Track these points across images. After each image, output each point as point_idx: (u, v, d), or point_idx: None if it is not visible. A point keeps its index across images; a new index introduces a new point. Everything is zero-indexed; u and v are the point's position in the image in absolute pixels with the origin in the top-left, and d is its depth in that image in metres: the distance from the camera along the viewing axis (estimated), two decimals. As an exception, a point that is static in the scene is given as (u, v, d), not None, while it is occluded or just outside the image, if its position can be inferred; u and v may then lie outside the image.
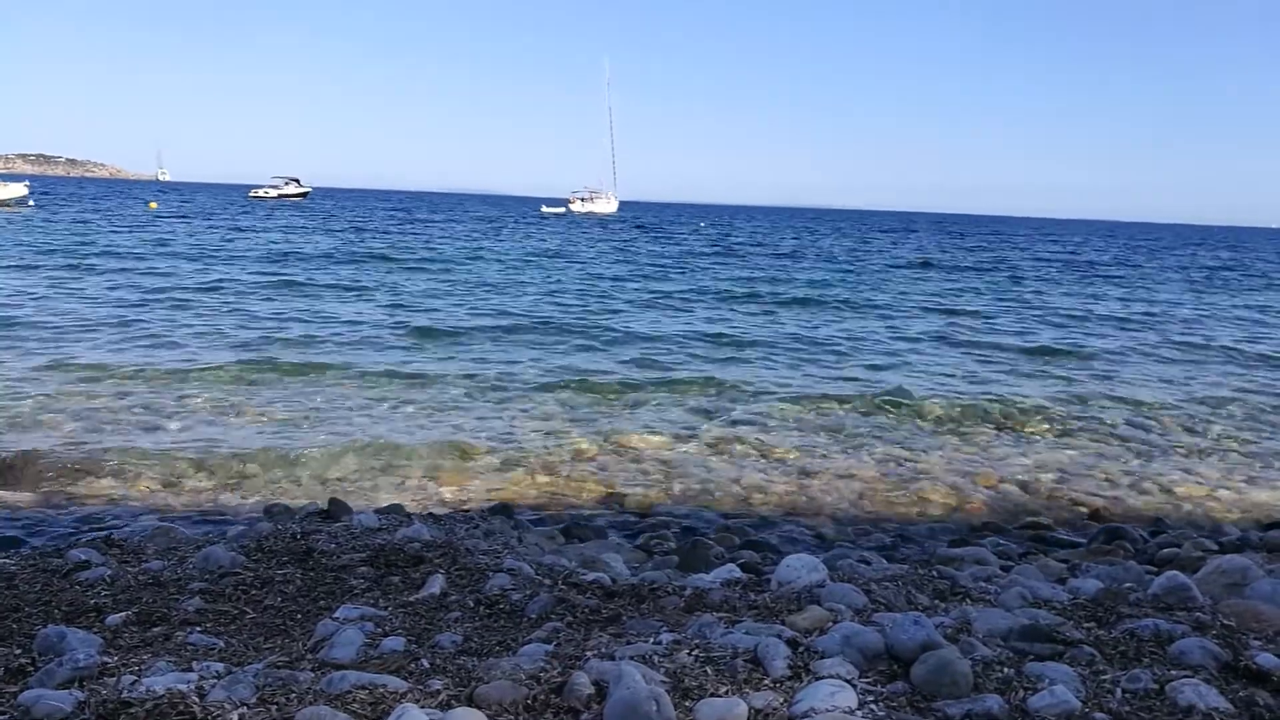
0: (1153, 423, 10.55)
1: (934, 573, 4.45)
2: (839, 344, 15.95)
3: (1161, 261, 50.26)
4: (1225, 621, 3.38)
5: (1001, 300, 24.93)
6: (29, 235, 31.38)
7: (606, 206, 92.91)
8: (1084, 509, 7.45)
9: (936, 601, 3.87)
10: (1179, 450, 9.35)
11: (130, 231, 36.96)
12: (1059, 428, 10.16)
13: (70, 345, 12.28)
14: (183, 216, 51.75)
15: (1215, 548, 5.93)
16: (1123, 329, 19.60)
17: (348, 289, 20.82)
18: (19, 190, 48.09)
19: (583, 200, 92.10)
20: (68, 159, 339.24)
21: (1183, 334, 19.02)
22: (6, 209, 44.96)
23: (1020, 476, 8.20)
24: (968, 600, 3.89)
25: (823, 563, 4.17)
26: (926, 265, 38.34)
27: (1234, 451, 9.38)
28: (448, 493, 7.16)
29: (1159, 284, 33.31)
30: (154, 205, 64.54)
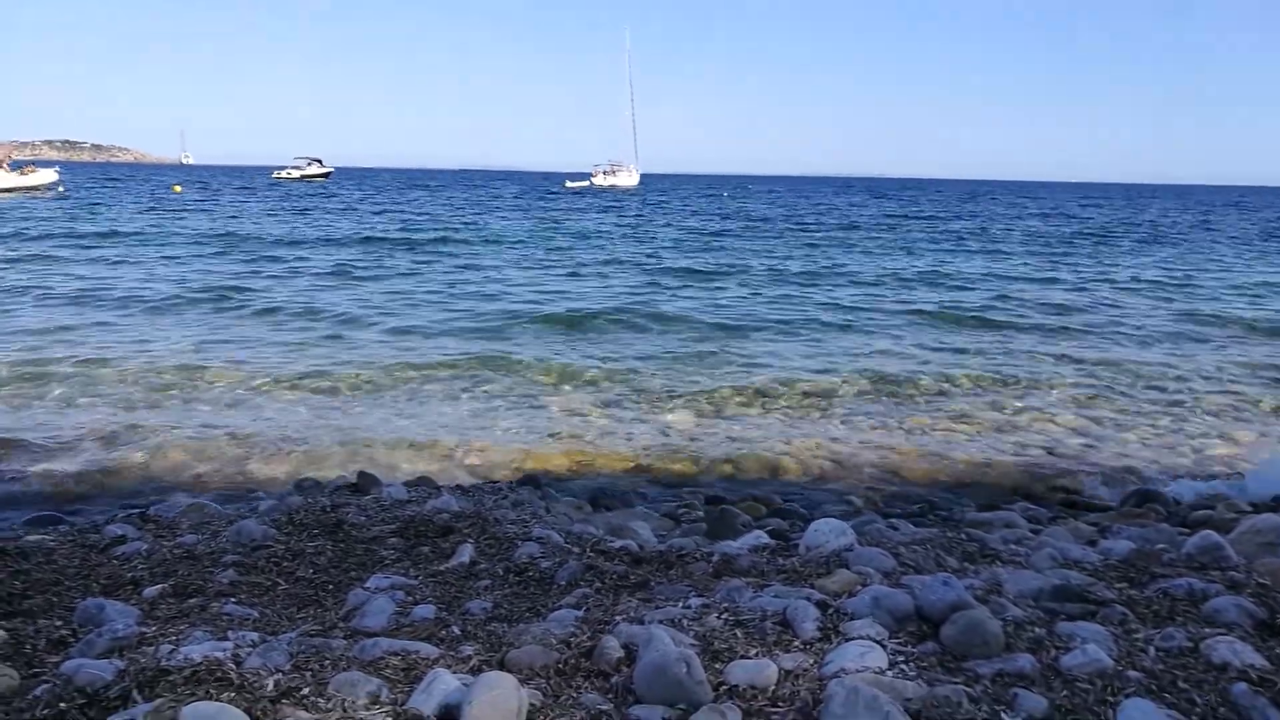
0: (1182, 385, 10.43)
1: (963, 536, 4.43)
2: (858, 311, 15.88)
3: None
4: (1261, 580, 3.34)
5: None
6: (63, 221, 31.67)
7: (628, 180, 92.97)
8: (1113, 473, 7.38)
9: (966, 564, 3.86)
10: (1209, 413, 9.23)
11: (161, 214, 37.27)
12: (1086, 390, 10.06)
13: (104, 329, 12.42)
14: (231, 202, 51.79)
15: (1249, 509, 5.85)
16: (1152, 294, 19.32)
17: (353, 278, 20.89)
18: (50, 176, 49.15)
19: (605, 174, 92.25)
20: (93, 144, 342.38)
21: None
22: (39, 194, 45.77)
23: (1049, 441, 8.14)
24: (997, 562, 3.88)
25: (851, 528, 4.16)
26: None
27: (1266, 414, 9.26)
28: (476, 464, 7.21)
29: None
30: (178, 189, 64.99)
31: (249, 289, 16.47)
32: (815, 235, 34.95)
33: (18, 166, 48.87)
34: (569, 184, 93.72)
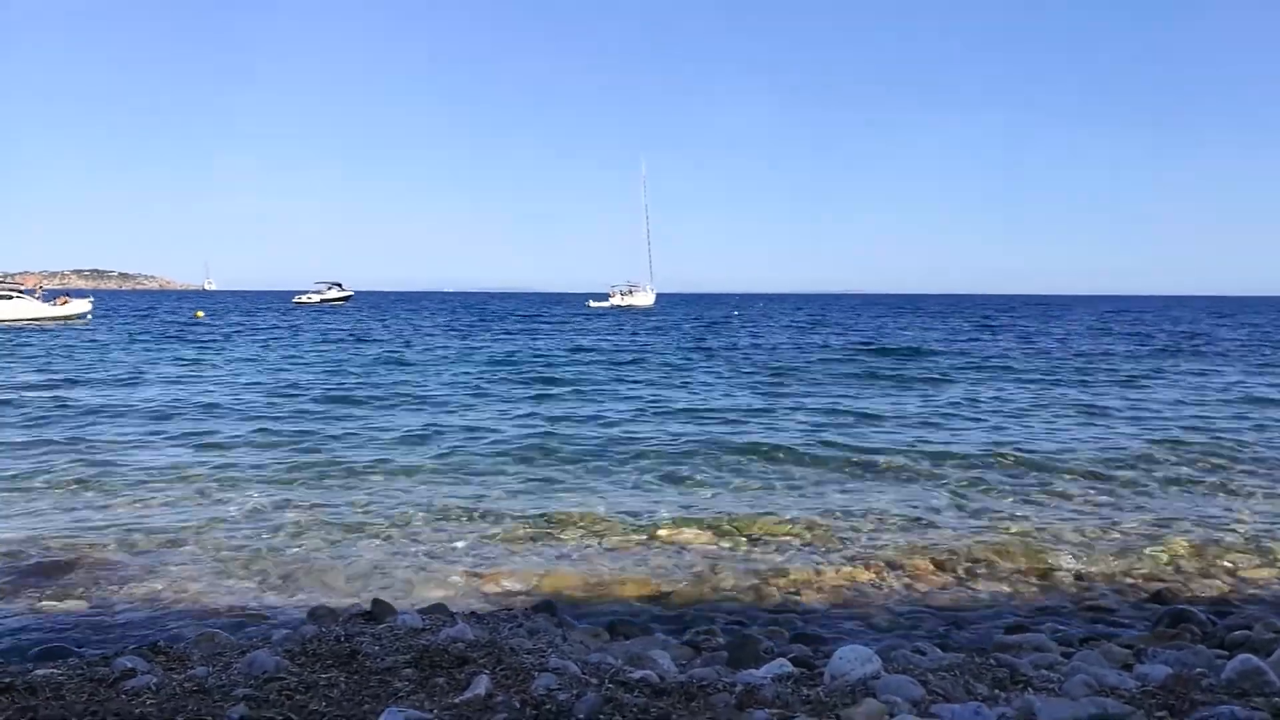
0: (1218, 496, 10.26)
1: (991, 660, 4.31)
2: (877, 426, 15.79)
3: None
4: (1306, 707, 3.22)
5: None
6: (95, 349, 32.30)
7: (644, 299, 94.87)
8: (1145, 590, 7.19)
9: (996, 691, 3.73)
10: (1245, 524, 9.04)
11: (185, 340, 37.98)
12: (1114, 501, 9.92)
13: (117, 452, 12.49)
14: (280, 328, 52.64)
15: (1289, 628, 5.67)
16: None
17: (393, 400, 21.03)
18: (84, 305, 51.95)
19: (623, 294, 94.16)
20: (120, 273, 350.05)
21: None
22: (72, 323, 48.26)
23: (1077, 556, 7.96)
24: (1029, 689, 3.76)
25: (876, 654, 4.05)
26: None
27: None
28: (491, 590, 7.10)
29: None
30: (200, 314, 66.34)
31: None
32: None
33: (51, 297, 51.25)
34: (591, 303, 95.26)
